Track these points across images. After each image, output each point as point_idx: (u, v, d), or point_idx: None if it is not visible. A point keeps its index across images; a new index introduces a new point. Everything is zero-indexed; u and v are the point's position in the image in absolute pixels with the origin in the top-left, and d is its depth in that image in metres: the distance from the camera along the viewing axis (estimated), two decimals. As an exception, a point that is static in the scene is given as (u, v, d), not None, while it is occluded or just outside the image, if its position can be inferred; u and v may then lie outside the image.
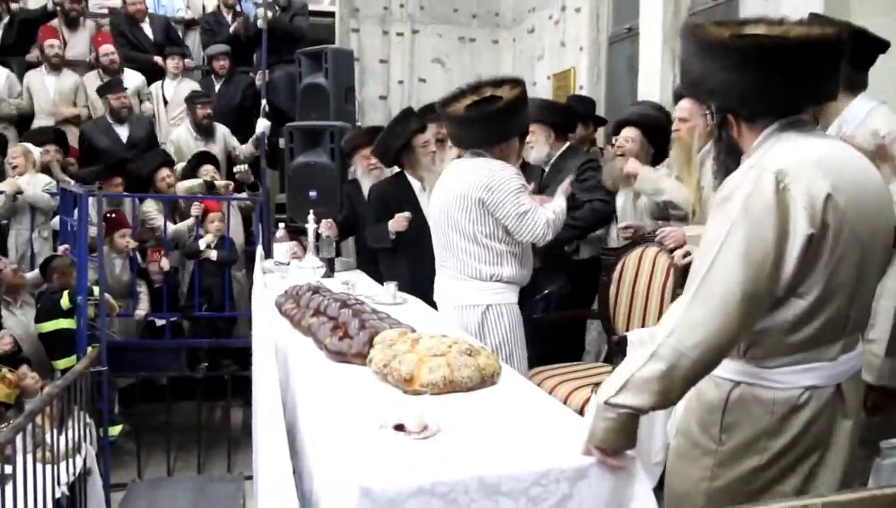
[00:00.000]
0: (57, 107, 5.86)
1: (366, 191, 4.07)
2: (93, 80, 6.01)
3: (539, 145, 3.86)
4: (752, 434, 1.53)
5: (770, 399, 1.52)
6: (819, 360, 1.51)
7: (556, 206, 2.86)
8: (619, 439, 1.43)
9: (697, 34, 1.56)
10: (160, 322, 4.96)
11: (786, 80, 1.48)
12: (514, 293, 2.86)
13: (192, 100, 5.70)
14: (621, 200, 3.64)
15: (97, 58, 6.05)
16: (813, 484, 1.54)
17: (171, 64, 6.09)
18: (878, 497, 1.34)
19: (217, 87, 6.14)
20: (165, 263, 4.92)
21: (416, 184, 3.81)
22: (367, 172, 4.10)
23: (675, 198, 3.15)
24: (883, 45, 2.31)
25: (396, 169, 3.99)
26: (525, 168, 3.54)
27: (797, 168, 1.44)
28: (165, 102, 6.11)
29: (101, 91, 5.71)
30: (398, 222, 3.66)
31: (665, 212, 3.29)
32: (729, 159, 1.64)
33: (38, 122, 5.82)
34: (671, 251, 3.13)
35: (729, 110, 1.60)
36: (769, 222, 1.41)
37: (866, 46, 2.26)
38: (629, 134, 3.51)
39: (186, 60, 6.33)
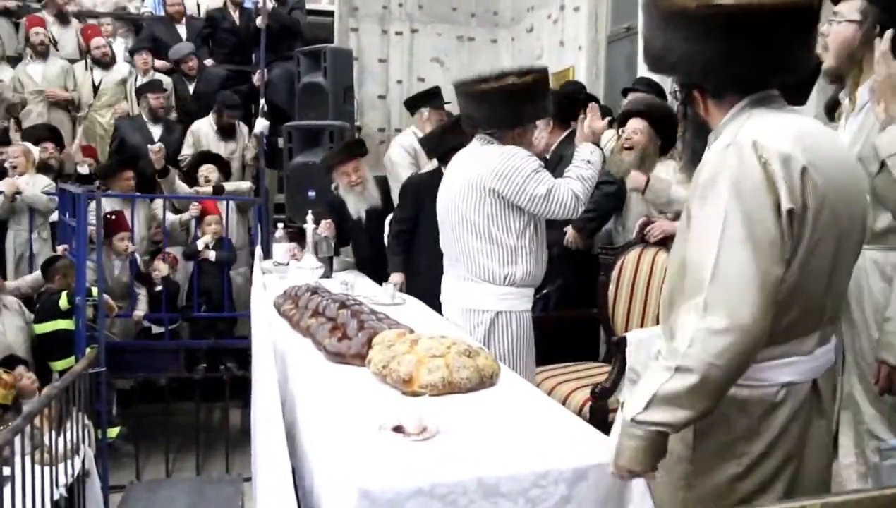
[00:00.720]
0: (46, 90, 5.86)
1: (351, 207, 4.01)
2: (81, 68, 6.03)
3: (537, 135, 3.84)
4: (727, 439, 1.44)
5: (745, 398, 1.43)
6: (796, 354, 1.43)
7: (579, 173, 2.64)
8: (648, 459, 1.36)
9: (660, 4, 1.45)
10: (157, 329, 4.95)
11: (753, 50, 1.38)
12: (526, 299, 2.70)
13: (141, 91, 5.75)
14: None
15: (88, 50, 6.05)
16: (796, 494, 1.46)
17: (140, 60, 6.08)
18: (878, 497, 1.33)
19: (191, 88, 6.13)
20: (164, 268, 4.91)
21: None
22: (349, 189, 4.00)
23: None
24: None
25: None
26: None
27: (772, 142, 1.34)
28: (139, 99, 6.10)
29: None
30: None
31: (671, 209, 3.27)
32: (696, 139, 1.56)
33: (31, 109, 5.83)
34: (660, 245, 3.13)
35: (694, 85, 1.50)
36: (763, 199, 1.32)
37: None
38: (637, 125, 3.41)
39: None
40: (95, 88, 6.01)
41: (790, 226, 1.33)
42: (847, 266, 1.49)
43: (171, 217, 5.17)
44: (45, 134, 5.42)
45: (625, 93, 3.93)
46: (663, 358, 1.36)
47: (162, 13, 6.63)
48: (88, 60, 6.04)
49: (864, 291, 2.06)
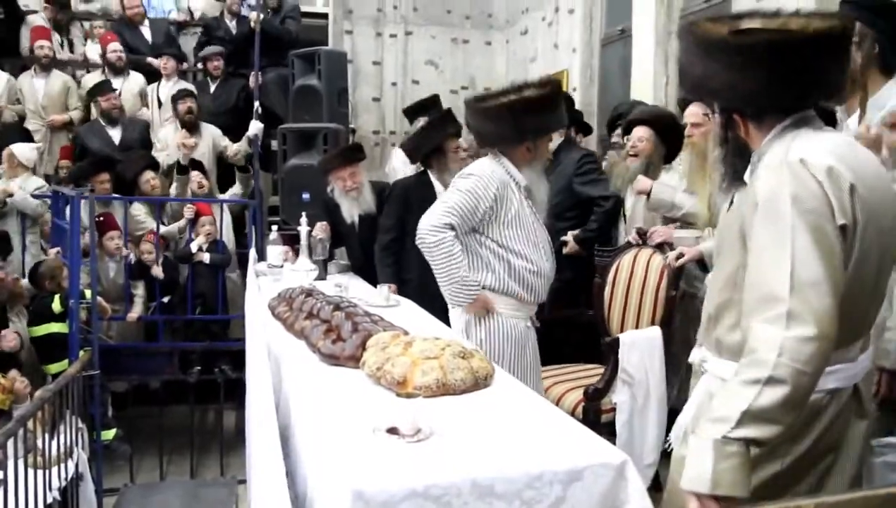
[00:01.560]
0: (47, 113, 5.82)
1: (345, 211, 3.99)
2: (96, 78, 5.96)
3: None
4: (776, 440, 1.42)
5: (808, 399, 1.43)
6: (842, 362, 1.48)
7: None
8: (748, 478, 1.31)
9: (696, 33, 1.52)
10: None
11: (792, 76, 1.45)
12: (504, 303, 2.72)
13: (175, 98, 5.68)
14: (630, 201, 3.65)
15: (104, 54, 5.99)
16: (826, 484, 1.52)
17: (162, 64, 6.07)
18: (871, 497, 1.34)
19: (212, 89, 6.12)
20: (158, 271, 4.90)
21: (438, 185, 3.68)
22: (344, 194, 3.97)
23: (691, 211, 3.16)
24: None
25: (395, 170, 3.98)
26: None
27: (820, 160, 1.40)
28: (160, 104, 6.08)
29: (92, 93, 5.68)
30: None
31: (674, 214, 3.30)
32: (737, 161, 1.60)
33: (29, 126, 5.78)
34: (658, 247, 3.16)
35: (734, 110, 1.56)
36: (824, 211, 1.37)
37: None
38: (641, 133, 3.47)
39: (184, 63, 6.32)
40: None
41: (843, 241, 1.39)
42: (887, 277, 1.56)
43: (169, 227, 5.17)
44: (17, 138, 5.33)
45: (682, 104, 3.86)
46: (743, 373, 1.34)
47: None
48: (106, 70, 5.97)
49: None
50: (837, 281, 1.36)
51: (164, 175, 5.49)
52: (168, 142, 5.66)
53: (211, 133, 5.72)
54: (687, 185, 3.23)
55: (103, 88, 5.63)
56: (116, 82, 5.91)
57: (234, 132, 5.81)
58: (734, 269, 1.51)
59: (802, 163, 1.40)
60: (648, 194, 3.29)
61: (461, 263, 2.63)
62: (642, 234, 3.28)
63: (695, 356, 1.71)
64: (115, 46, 5.95)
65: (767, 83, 1.46)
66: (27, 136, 5.46)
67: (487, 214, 2.67)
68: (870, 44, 2.05)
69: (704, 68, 1.51)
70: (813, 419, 1.48)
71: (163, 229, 5.08)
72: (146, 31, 6.41)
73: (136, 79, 6.06)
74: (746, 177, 1.59)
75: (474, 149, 3.85)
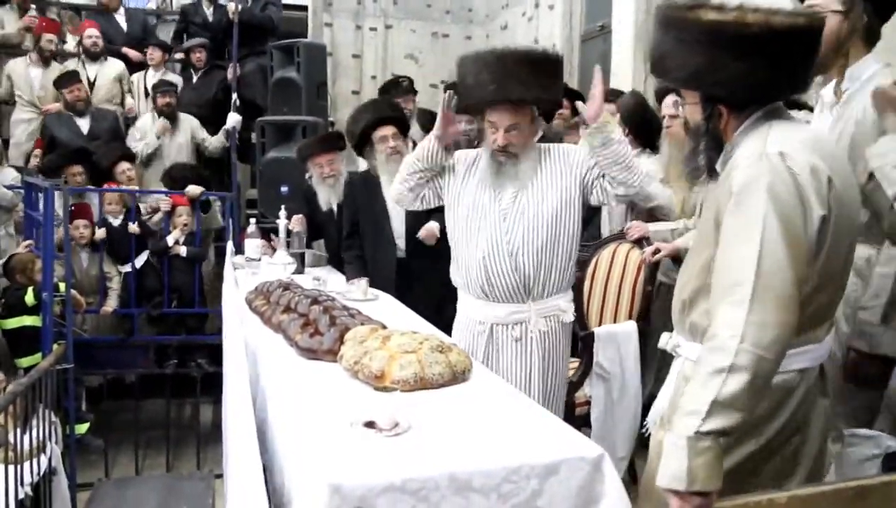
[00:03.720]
0: (42, 103, 5.72)
1: (322, 199, 3.94)
2: (79, 66, 5.86)
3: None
4: (752, 420, 1.45)
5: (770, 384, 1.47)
6: (812, 342, 1.54)
7: None
8: (720, 471, 1.32)
9: (681, 19, 1.50)
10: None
11: (773, 67, 1.48)
12: (466, 297, 2.58)
13: (154, 89, 5.63)
14: None
15: (80, 41, 5.91)
16: (796, 463, 1.56)
17: (149, 54, 6.00)
18: (842, 489, 1.36)
19: (195, 80, 6.06)
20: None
21: (385, 180, 3.48)
22: (321, 181, 3.92)
23: (664, 203, 3.19)
24: None
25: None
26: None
27: (799, 154, 1.44)
28: (147, 94, 6.00)
29: (58, 83, 5.58)
30: (428, 232, 3.41)
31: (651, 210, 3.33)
32: (713, 151, 1.62)
33: (21, 115, 5.71)
34: (636, 243, 3.19)
35: (720, 100, 1.57)
36: (796, 204, 1.41)
37: None
38: None
39: (170, 54, 6.25)
40: (91, 84, 5.84)
41: (820, 232, 1.44)
42: (851, 261, 1.61)
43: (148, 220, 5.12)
44: None
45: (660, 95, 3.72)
46: (707, 362, 1.36)
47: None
48: (82, 56, 5.87)
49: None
50: (802, 271, 1.40)
51: (143, 164, 5.43)
52: (147, 130, 5.60)
53: (189, 124, 5.66)
54: (665, 176, 3.26)
55: (69, 79, 5.53)
56: (92, 69, 5.83)
57: (214, 124, 5.76)
58: (708, 257, 1.54)
59: (782, 156, 1.43)
60: None
61: None
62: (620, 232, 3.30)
63: (665, 342, 1.73)
64: (91, 32, 5.87)
65: (750, 72, 1.48)
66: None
67: None
68: (857, 13, 2.02)
69: (689, 56, 1.51)
70: (785, 398, 1.53)
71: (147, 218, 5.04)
72: (121, 20, 6.33)
73: (113, 65, 5.98)
74: (718, 167, 1.62)
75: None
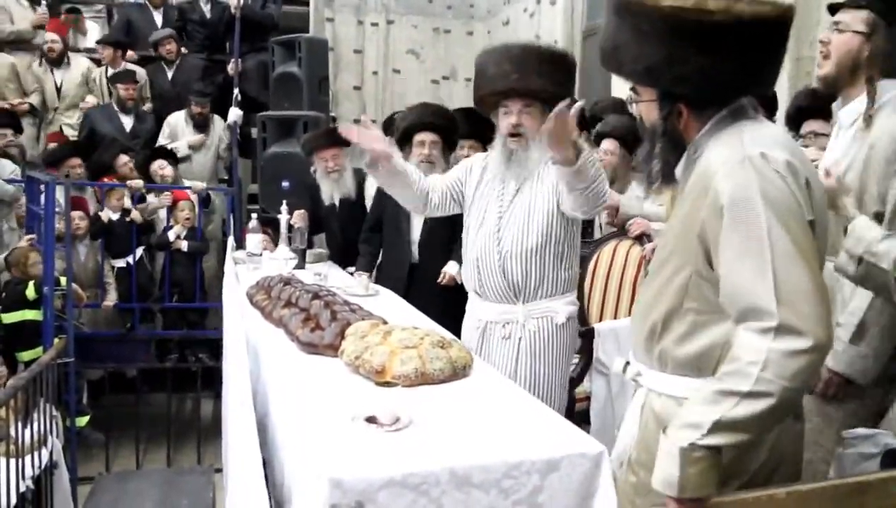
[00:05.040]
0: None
1: (325, 193, 3.95)
2: (39, 68, 5.88)
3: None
4: (735, 455, 1.36)
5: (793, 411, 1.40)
6: None
7: None
8: (715, 478, 1.28)
9: (642, 10, 1.38)
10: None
11: (737, 62, 1.37)
12: (469, 293, 2.59)
13: (113, 81, 5.65)
14: (603, 216, 3.68)
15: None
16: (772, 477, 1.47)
17: (106, 54, 5.92)
18: (841, 485, 1.36)
19: (169, 74, 6.00)
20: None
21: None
22: (325, 175, 3.93)
23: (659, 224, 3.20)
24: None
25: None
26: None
27: (779, 154, 1.33)
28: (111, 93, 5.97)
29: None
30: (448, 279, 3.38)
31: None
32: (671, 155, 1.48)
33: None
34: (636, 239, 3.20)
35: (682, 98, 1.43)
36: (795, 208, 1.31)
37: None
38: (608, 147, 3.56)
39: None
40: (58, 90, 5.83)
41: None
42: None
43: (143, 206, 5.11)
44: (3, 120, 5.25)
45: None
46: (723, 381, 1.29)
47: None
48: (42, 60, 5.84)
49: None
50: (822, 282, 1.29)
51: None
52: (176, 128, 5.65)
53: (220, 126, 5.73)
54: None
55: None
56: (60, 75, 5.81)
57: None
58: (687, 276, 1.41)
59: (764, 157, 1.32)
60: (616, 210, 3.34)
61: None
62: (620, 225, 3.31)
63: (623, 369, 1.62)
64: (50, 37, 5.79)
65: (713, 67, 1.36)
66: (14, 120, 5.37)
67: None
68: (882, 39, 1.96)
69: (647, 48, 1.39)
70: None
71: (140, 207, 5.05)
72: (157, 16, 6.31)
73: (79, 65, 5.95)
74: (678, 172, 1.50)
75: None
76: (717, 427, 1.26)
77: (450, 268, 3.25)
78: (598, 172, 2.20)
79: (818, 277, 1.29)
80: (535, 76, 2.33)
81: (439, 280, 3.26)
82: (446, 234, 3.21)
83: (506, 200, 2.46)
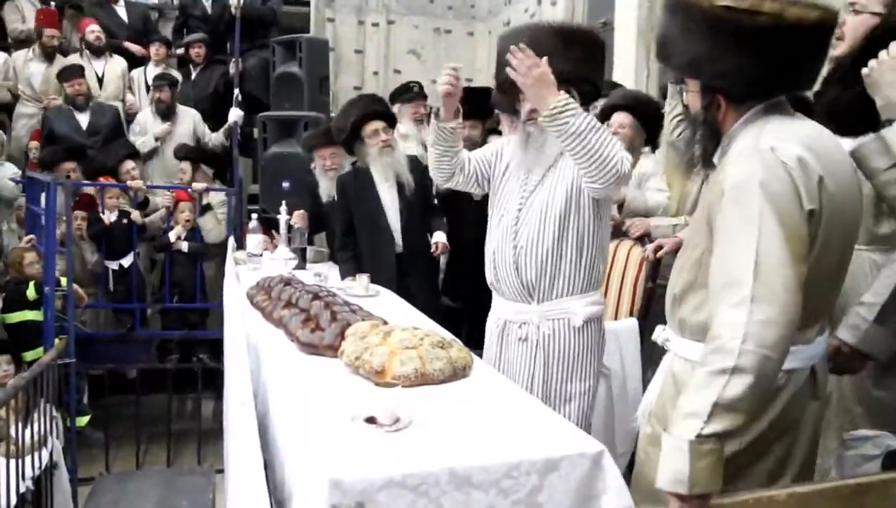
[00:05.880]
0: (45, 96, 5.70)
1: (322, 191, 3.97)
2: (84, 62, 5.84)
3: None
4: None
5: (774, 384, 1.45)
6: (799, 343, 1.49)
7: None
8: (721, 473, 1.31)
9: (692, 7, 1.48)
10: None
11: (780, 60, 1.46)
12: (494, 295, 2.47)
13: (155, 84, 5.63)
14: None
15: (83, 37, 5.87)
16: (785, 467, 1.54)
17: (153, 50, 6.00)
18: (841, 487, 1.37)
19: (193, 75, 6.05)
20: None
21: (377, 174, 3.57)
22: (323, 172, 3.96)
23: (665, 217, 3.19)
24: None
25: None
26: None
27: (790, 148, 1.42)
28: (148, 89, 5.98)
29: (60, 77, 5.54)
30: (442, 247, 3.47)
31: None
32: (709, 143, 1.60)
33: (23, 109, 5.70)
34: (637, 240, 3.18)
35: (721, 91, 1.55)
36: (792, 199, 1.39)
37: None
38: (622, 119, 3.34)
39: (171, 49, 6.25)
40: (100, 80, 5.80)
41: (808, 226, 1.42)
42: (847, 266, 1.59)
43: (150, 218, 5.12)
44: None
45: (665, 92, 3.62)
46: (709, 363, 1.34)
47: None
48: (86, 52, 5.82)
49: (863, 290, 2.04)
50: (802, 266, 1.38)
51: (143, 160, 5.44)
52: (146, 125, 5.61)
53: (191, 118, 5.66)
54: (666, 178, 3.25)
55: (73, 73, 5.49)
56: (98, 64, 5.81)
57: (214, 119, 5.76)
58: (700, 253, 1.54)
59: (773, 151, 1.41)
60: (622, 204, 3.31)
61: None
62: (619, 225, 3.29)
63: (658, 335, 1.74)
64: (93, 28, 5.83)
65: (755, 64, 1.46)
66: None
67: None
68: None
69: (690, 43, 1.50)
70: (771, 397, 1.49)
71: (143, 220, 5.04)
72: (122, 11, 6.31)
73: (118, 61, 5.96)
74: (716, 159, 1.60)
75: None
76: (716, 409, 1.31)
77: (438, 237, 3.27)
78: (591, 128, 2.04)
79: (799, 265, 1.37)
80: (558, 59, 2.16)
81: (432, 250, 3.26)
82: (421, 207, 3.20)
83: (527, 191, 2.33)
